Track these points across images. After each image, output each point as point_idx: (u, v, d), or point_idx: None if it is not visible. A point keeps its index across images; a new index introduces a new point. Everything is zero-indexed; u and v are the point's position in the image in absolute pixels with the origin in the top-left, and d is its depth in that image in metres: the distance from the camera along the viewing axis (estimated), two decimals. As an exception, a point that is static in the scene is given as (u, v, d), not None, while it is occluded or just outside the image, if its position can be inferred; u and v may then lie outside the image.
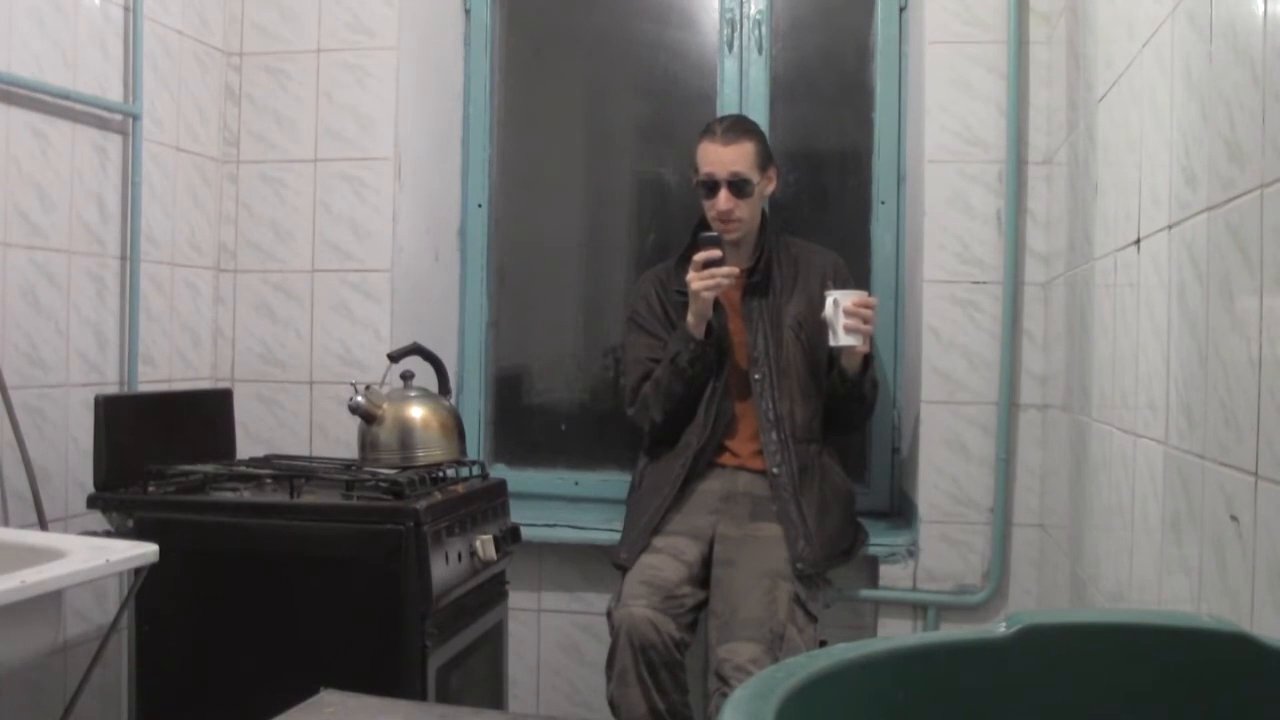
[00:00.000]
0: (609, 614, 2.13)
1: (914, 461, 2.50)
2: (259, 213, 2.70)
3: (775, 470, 2.25)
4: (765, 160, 2.34)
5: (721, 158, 2.28)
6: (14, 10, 2.07)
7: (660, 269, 2.47)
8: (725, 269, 2.21)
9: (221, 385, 2.65)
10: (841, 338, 2.17)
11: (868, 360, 2.27)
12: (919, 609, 2.45)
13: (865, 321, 2.16)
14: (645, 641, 2.03)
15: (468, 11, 2.94)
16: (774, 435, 2.28)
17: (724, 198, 2.29)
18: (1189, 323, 1.29)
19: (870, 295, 2.21)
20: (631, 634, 2.04)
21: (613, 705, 2.08)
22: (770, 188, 2.37)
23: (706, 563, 2.19)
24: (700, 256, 2.21)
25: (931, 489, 2.43)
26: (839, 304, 2.17)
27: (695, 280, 2.22)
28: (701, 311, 2.24)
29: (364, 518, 1.95)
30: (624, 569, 2.21)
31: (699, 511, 2.25)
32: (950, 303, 2.43)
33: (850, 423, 2.44)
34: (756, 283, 2.34)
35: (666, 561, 2.15)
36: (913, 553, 2.44)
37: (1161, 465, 1.39)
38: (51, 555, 1.45)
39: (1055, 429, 2.27)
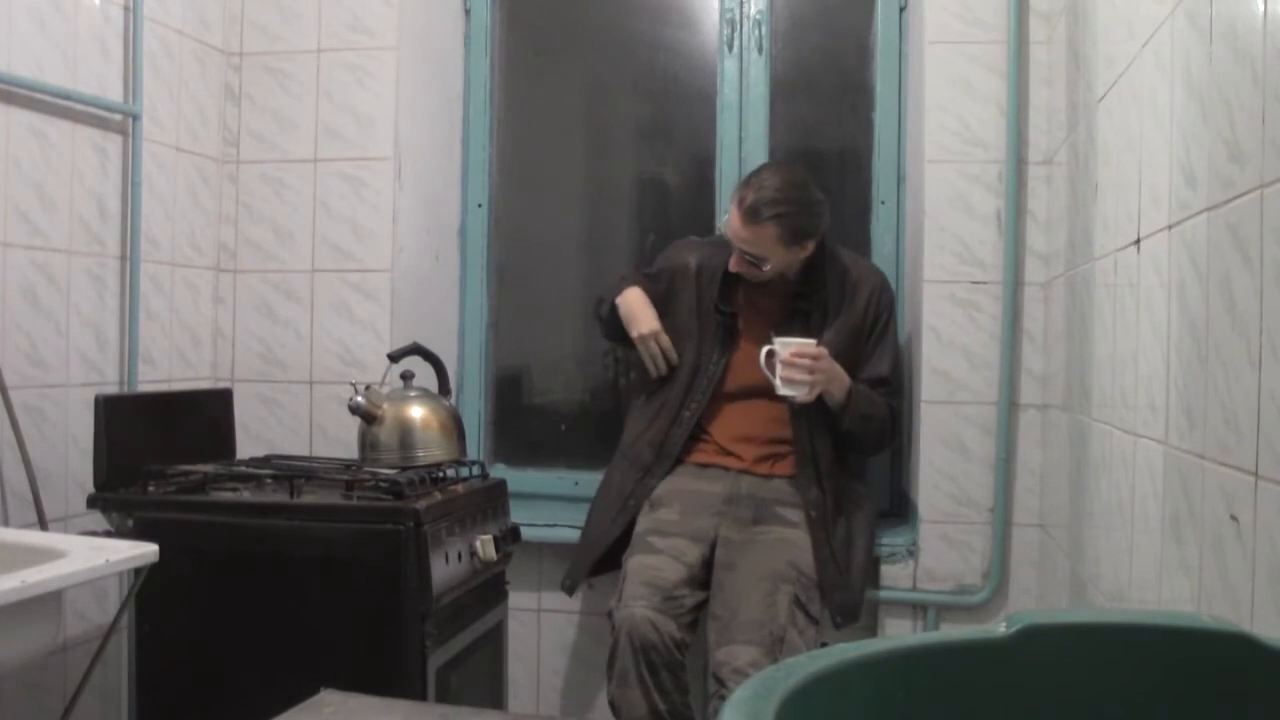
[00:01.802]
0: (609, 614, 2.13)
1: (914, 461, 2.50)
2: (259, 213, 2.70)
3: (813, 513, 2.23)
4: (793, 238, 2.20)
5: (739, 234, 2.21)
6: (14, 10, 2.07)
7: (713, 248, 2.41)
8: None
9: (221, 385, 2.65)
10: (779, 388, 2.16)
11: (852, 395, 2.23)
12: (919, 609, 2.45)
13: (810, 372, 2.13)
14: (646, 642, 2.03)
15: (468, 11, 2.94)
16: (811, 470, 2.26)
17: (735, 260, 2.27)
18: (1189, 323, 1.29)
19: (817, 344, 2.16)
20: (632, 634, 2.03)
21: (613, 706, 2.08)
22: (805, 254, 2.26)
23: (707, 564, 2.18)
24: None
25: (931, 489, 2.43)
26: (775, 355, 2.15)
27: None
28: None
29: (364, 518, 1.95)
30: (568, 592, 2.36)
31: (701, 514, 2.24)
32: (950, 303, 2.43)
33: (859, 448, 2.38)
34: (802, 309, 2.30)
35: (667, 562, 2.14)
36: (913, 553, 2.44)
37: (1161, 465, 1.39)
38: (51, 555, 1.45)
39: (1055, 429, 2.27)
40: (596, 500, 2.42)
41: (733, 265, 2.29)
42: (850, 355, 2.29)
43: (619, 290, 2.39)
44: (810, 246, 2.26)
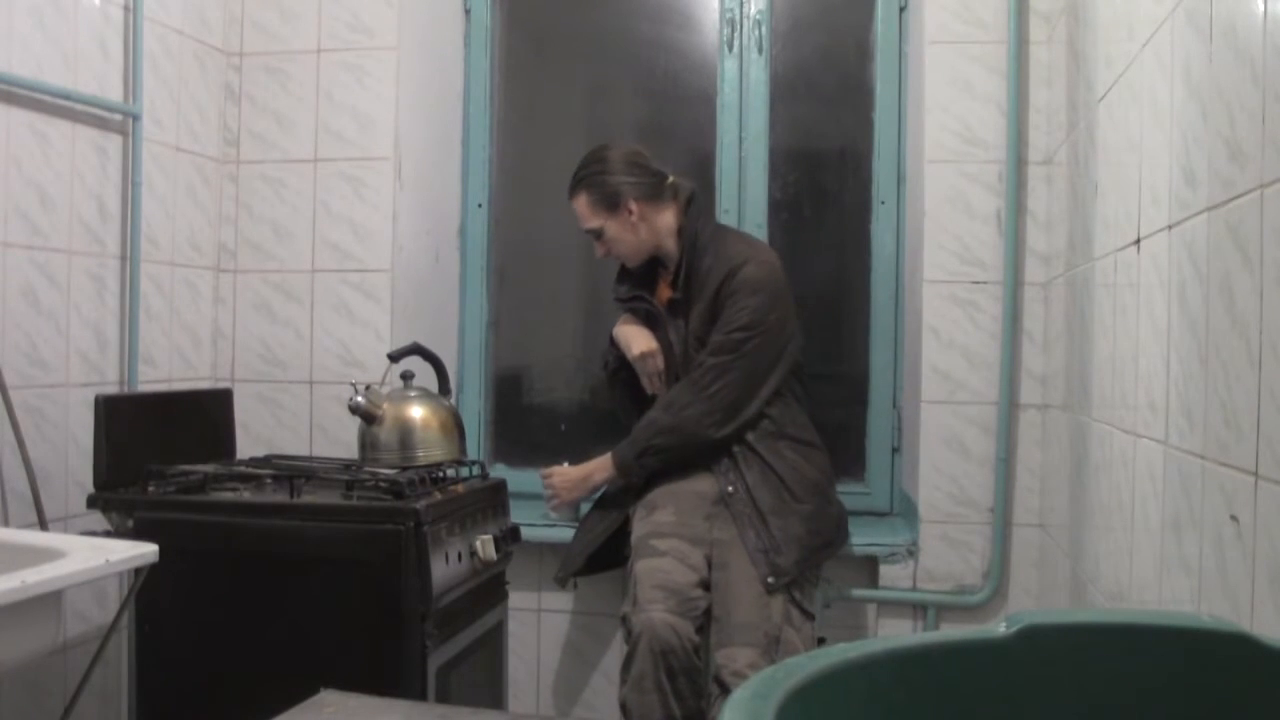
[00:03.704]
0: (624, 619, 2.11)
1: (914, 461, 2.50)
2: (259, 213, 2.70)
3: (730, 489, 2.21)
4: (608, 202, 2.28)
5: (575, 214, 2.34)
6: (14, 10, 2.07)
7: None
8: None
9: (221, 385, 2.65)
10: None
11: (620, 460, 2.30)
12: (919, 609, 2.45)
13: (548, 490, 2.43)
14: (666, 647, 2.02)
15: (468, 11, 2.94)
16: (724, 460, 2.23)
17: (596, 245, 2.36)
18: (1189, 323, 1.29)
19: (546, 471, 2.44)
20: (652, 640, 2.02)
21: (625, 708, 2.07)
22: (635, 217, 2.28)
23: (709, 565, 2.18)
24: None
25: (931, 489, 2.43)
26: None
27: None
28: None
29: (364, 518, 1.95)
30: (559, 584, 2.39)
31: (694, 516, 2.23)
32: (950, 303, 2.43)
33: (694, 450, 2.25)
34: (677, 299, 2.30)
35: (674, 565, 2.13)
36: (913, 553, 2.44)
37: (1161, 465, 1.39)
38: (51, 555, 1.45)
39: (1055, 429, 2.27)
40: (597, 501, 2.43)
41: (596, 252, 2.37)
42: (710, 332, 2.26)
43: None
44: (633, 209, 2.28)
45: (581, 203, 2.31)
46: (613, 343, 2.40)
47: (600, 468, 2.35)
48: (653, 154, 3.00)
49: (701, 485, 2.28)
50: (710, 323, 2.25)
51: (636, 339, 2.34)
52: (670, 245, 2.33)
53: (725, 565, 2.15)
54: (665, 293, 2.34)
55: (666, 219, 2.32)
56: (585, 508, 2.50)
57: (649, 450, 2.25)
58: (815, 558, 2.21)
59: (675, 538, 2.19)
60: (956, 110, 2.43)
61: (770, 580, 2.09)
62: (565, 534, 2.52)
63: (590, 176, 2.30)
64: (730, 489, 2.21)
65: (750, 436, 2.24)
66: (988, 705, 0.76)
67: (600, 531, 2.33)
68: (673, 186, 2.35)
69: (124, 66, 2.37)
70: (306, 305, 2.67)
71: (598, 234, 2.31)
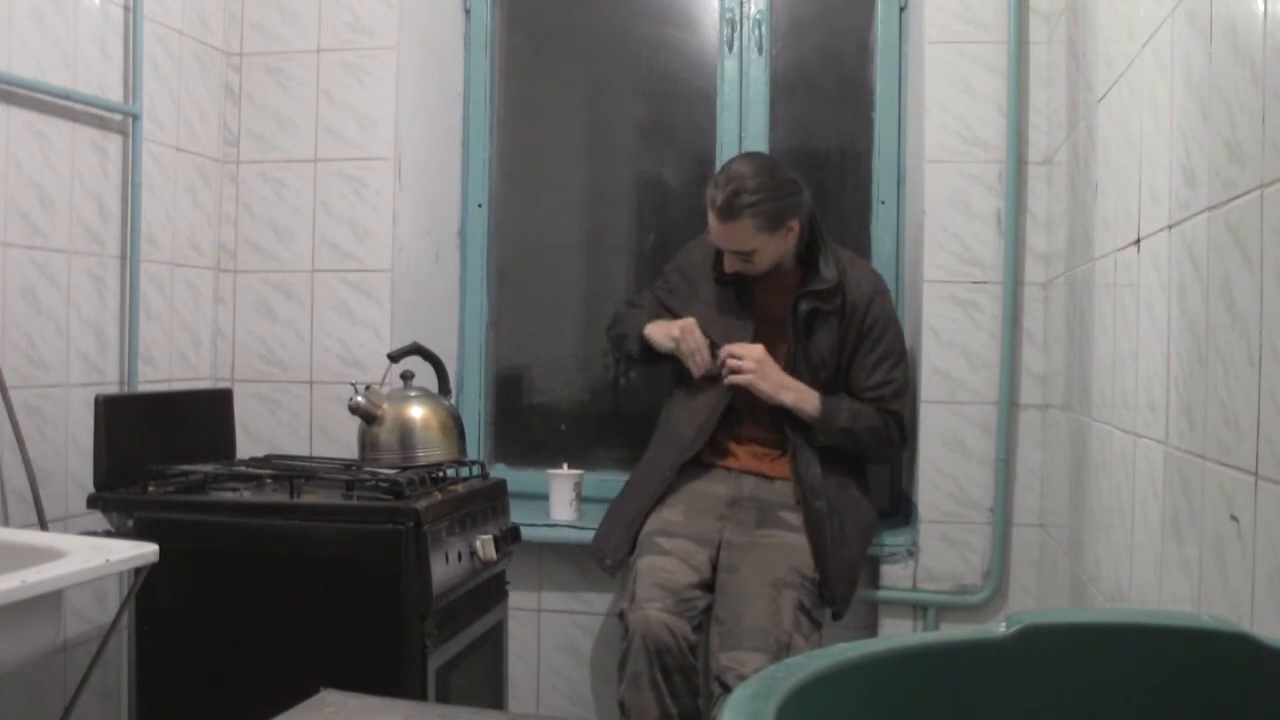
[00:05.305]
0: (622, 615, 2.11)
1: (914, 461, 2.50)
2: (259, 213, 2.70)
3: (817, 505, 2.21)
4: (771, 225, 2.19)
5: (720, 233, 2.22)
6: (14, 10, 2.07)
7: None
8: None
9: (221, 385, 2.65)
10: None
11: (826, 411, 2.24)
12: (919, 609, 2.45)
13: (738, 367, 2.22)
14: (661, 645, 2.02)
15: (468, 11, 2.94)
16: (804, 471, 2.24)
17: (729, 260, 2.27)
18: (1189, 323, 1.29)
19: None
20: (647, 637, 2.03)
21: (623, 707, 2.07)
22: (793, 236, 2.24)
23: (713, 567, 2.18)
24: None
25: (931, 489, 2.43)
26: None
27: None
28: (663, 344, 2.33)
29: (364, 518, 1.95)
30: (611, 572, 2.28)
31: (705, 516, 2.23)
32: (950, 303, 2.43)
33: (861, 457, 2.35)
34: (806, 310, 2.26)
35: (676, 564, 2.14)
36: (913, 553, 2.44)
37: (1161, 465, 1.39)
38: (51, 555, 1.45)
39: (1055, 429, 2.27)
40: (634, 479, 2.39)
41: (727, 266, 2.28)
42: (838, 358, 2.27)
43: (635, 322, 2.41)
44: (795, 226, 2.24)
45: (746, 227, 2.18)
46: (644, 342, 2.36)
47: (795, 389, 2.24)
48: (652, 154, 3.03)
49: (716, 486, 2.29)
50: (842, 337, 2.26)
51: (672, 324, 2.31)
52: (785, 259, 2.29)
53: (735, 568, 2.14)
54: (777, 296, 2.29)
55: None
56: (585, 508, 2.50)
57: (851, 433, 2.24)
58: (851, 594, 2.24)
59: (682, 537, 2.19)
60: (956, 110, 2.43)
61: (820, 616, 2.14)
62: (565, 534, 2.53)
63: (759, 203, 2.17)
64: (818, 505, 2.20)
65: (830, 470, 2.25)
66: (988, 705, 0.76)
67: (640, 513, 2.28)
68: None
69: (124, 66, 2.37)
70: (306, 305, 2.67)
71: (749, 255, 2.23)
